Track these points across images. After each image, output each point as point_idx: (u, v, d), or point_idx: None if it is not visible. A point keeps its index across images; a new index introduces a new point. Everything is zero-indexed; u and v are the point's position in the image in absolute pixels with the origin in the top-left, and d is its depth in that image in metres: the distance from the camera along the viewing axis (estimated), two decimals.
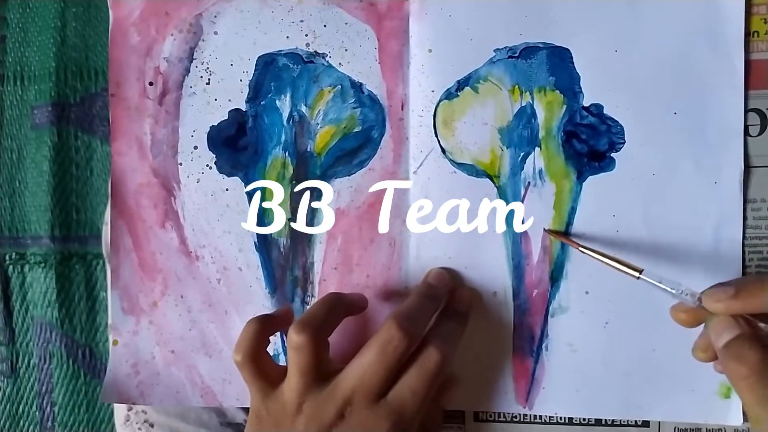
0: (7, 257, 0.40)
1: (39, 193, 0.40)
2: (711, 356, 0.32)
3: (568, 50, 0.36)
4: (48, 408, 0.40)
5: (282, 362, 0.38)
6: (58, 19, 0.39)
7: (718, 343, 0.29)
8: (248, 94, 0.38)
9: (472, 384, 0.37)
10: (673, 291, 0.31)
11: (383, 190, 0.37)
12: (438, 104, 0.37)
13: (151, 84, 0.38)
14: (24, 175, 0.40)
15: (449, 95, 0.37)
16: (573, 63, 0.36)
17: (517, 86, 0.36)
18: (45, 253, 0.40)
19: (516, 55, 0.36)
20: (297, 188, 0.38)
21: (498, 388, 0.37)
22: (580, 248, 0.34)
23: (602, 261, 0.33)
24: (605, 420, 0.37)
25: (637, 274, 0.32)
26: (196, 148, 0.38)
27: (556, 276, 0.36)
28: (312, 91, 0.38)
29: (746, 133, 0.35)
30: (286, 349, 0.37)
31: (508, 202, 0.36)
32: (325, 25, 0.37)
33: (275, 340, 0.38)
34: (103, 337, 0.39)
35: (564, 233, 0.36)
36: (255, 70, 0.38)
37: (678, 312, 0.32)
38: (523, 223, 0.36)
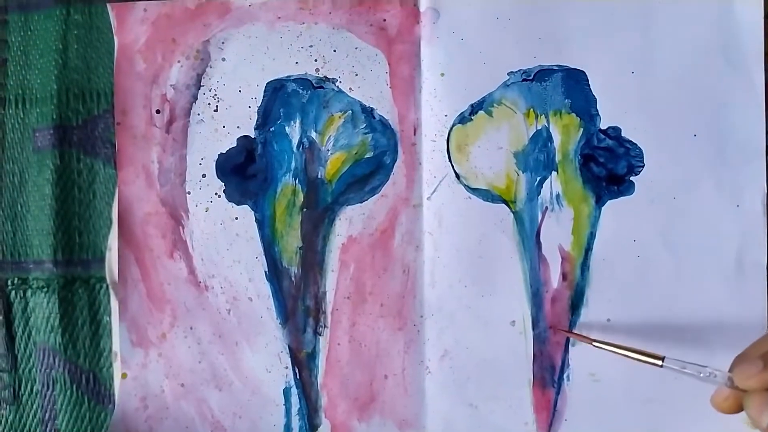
0: (9, 282, 0.39)
1: (41, 216, 0.39)
2: (733, 406, 0.30)
3: (584, 72, 0.35)
4: None
5: (294, 395, 0.37)
6: (59, 42, 0.39)
7: (762, 422, 0.28)
8: (257, 121, 0.37)
9: (491, 416, 0.36)
10: (700, 375, 0.30)
11: (396, 217, 0.36)
12: (451, 129, 0.36)
13: (158, 112, 0.38)
14: (26, 198, 0.39)
15: (463, 119, 0.36)
16: (589, 85, 0.35)
17: (532, 109, 0.36)
18: (48, 278, 0.39)
19: (530, 77, 0.36)
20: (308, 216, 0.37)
21: (518, 421, 0.36)
22: (594, 344, 0.33)
23: (621, 354, 0.32)
24: None
25: (660, 362, 0.31)
26: (204, 176, 0.37)
27: (576, 303, 0.35)
28: (322, 117, 0.37)
29: None
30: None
31: (525, 228, 0.36)
32: (334, 50, 0.37)
33: (287, 372, 0.37)
34: (107, 362, 0.38)
35: (575, 333, 0.35)
36: (264, 97, 0.37)
37: (721, 402, 0.31)
38: (540, 248, 0.36)
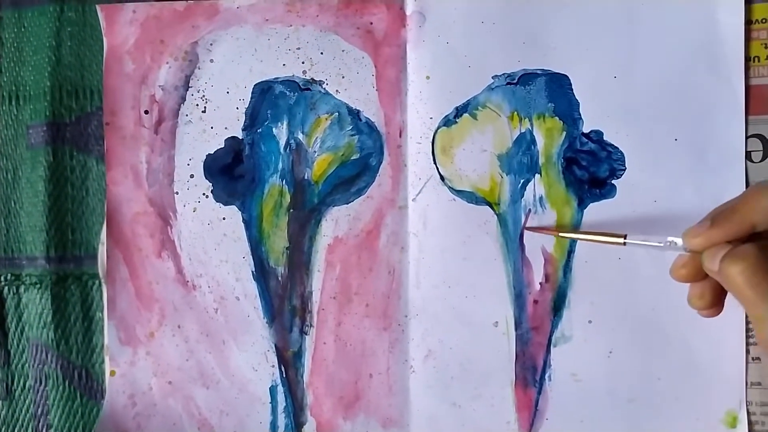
0: (2, 278, 0.40)
1: (34, 213, 0.39)
2: (690, 273, 0.31)
3: (567, 77, 0.36)
4: (44, 431, 0.39)
5: (280, 393, 0.38)
6: (53, 39, 0.39)
7: (714, 265, 0.28)
8: (245, 122, 0.38)
9: (474, 415, 0.36)
10: (660, 244, 0.31)
11: (382, 219, 0.37)
12: (436, 131, 0.36)
13: (146, 112, 0.38)
14: (19, 195, 0.39)
15: (447, 122, 0.36)
16: (572, 89, 0.36)
17: (516, 113, 0.36)
18: (40, 274, 0.39)
19: (514, 81, 0.36)
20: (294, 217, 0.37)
21: (500, 420, 0.36)
22: (560, 234, 0.35)
23: (585, 239, 0.34)
24: None
25: (622, 240, 0.32)
26: (192, 176, 0.38)
27: (558, 305, 0.36)
28: (309, 119, 0.37)
29: (748, 159, 0.35)
30: None
31: (508, 230, 0.36)
32: (321, 53, 0.37)
33: (273, 370, 0.38)
34: (100, 358, 0.39)
35: (541, 227, 0.36)
36: (251, 98, 0.37)
37: (678, 270, 0.31)
38: (524, 250, 0.36)
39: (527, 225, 0.36)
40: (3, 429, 0.39)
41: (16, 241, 0.39)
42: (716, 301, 0.31)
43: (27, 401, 0.39)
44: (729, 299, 0.33)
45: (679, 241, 0.31)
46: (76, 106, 0.39)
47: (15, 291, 0.39)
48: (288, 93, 0.37)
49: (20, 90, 0.39)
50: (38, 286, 0.39)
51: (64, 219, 0.39)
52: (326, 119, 0.37)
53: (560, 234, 0.35)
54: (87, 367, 0.39)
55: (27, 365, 0.39)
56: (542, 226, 0.36)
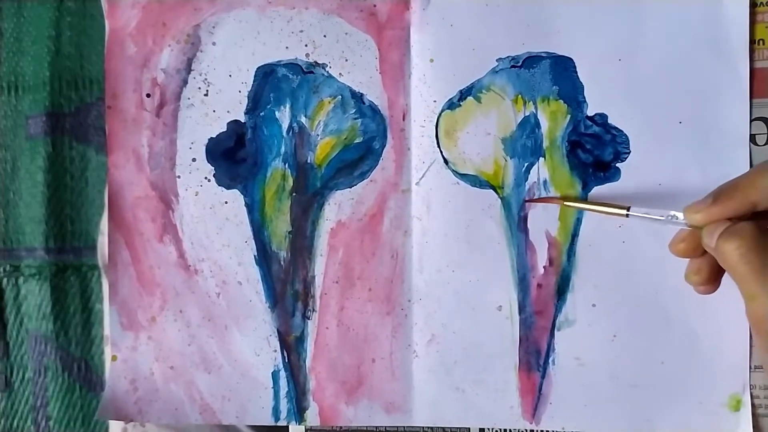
0: (1, 269, 0.40)
1: (33, 204, 0.39)
2: (689, 248, 0.32)
3: (571, 59, 0.36)
4: (43, 422, 0.39)
5: (282, 378, 0.37)
6: (52, 29, 0.39)
7: (712, 241, 0.29)
8: (247, 106, 0.37)
9: (477, 399, 0.36)
10: (662, 218, 0.31)
11: (385, 202, 0.37)
12: (440, 114, 0.36)
13: (148, 96, 0.38)
14: (18, 186, 0.39)
15: (451, 105, 0.36)
16: (576, 72, 0.36)
17: (520, 96, 0.36)
18: (40, 265, 0.39)
19: (519, 64, 0.36)
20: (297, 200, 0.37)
21: (504, 404, 0.36)
22: (564, 203, 0.35)
23: (588, 209, 0.34)
24: None
25: (624, 212, 0.32)
26: (194, 160, 0.38)
27: (562, 289, 0.36)
28: (312, 102, 0.37)
29: (753, 142, 0.35)
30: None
31: (512, 214, 0.36)
32: (324, 35, 0.37)
33: (276, 355, 0.37)
34: (99, 350, 0.39)
35: (544, 197, 0.36)
36: (254, 81, 0.37)
37: (676, 244, 0.32)
38: (527, 234, 0.36)
39: (529, 199, 0.36)
40: (2, 420, 0.39)
41: (15, 232, 0.39)
42: (712, 278, 0.32)
43: (26, 393, 0.39)
44: (729, 281, 0.33)
45: (681, 215, 0.31)
46: (76, 96, 0.39)
47: (14, 282, 0.39)
48: (291, 76, 0.37)
49: (19, 80, 0.39)
50: (37, 277, 0.39)
51: (63, 210, 0.39)
52: (329, 102, 0.37)
53: (564, 203, 0.35)
54: (86, 358, 0.39)
55: (26, 357, 0.39)
56: (545, 197, 0.36)
